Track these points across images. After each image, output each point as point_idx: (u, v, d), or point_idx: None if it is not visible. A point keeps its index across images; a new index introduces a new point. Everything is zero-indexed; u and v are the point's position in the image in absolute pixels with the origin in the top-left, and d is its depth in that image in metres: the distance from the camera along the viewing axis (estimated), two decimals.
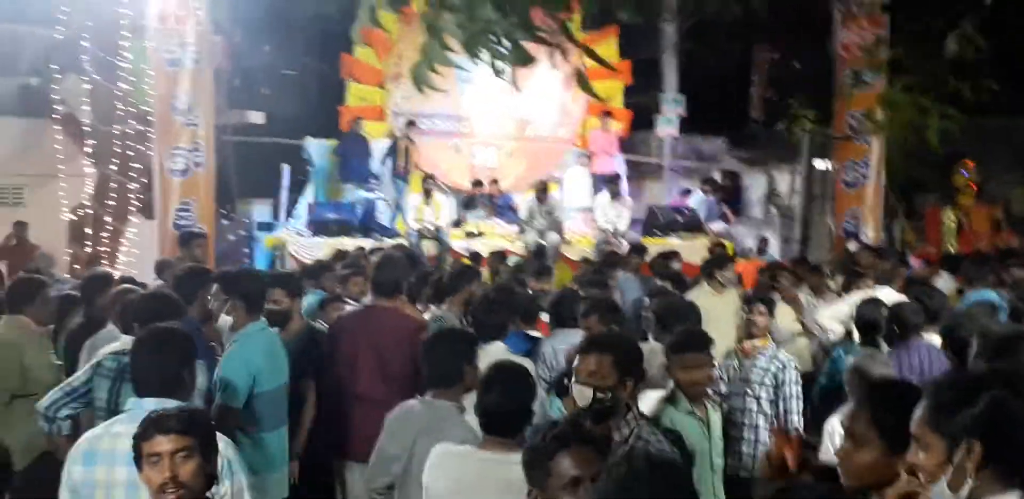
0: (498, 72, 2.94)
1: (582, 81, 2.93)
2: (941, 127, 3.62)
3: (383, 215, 14.94)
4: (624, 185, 16.40)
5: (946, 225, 17.23)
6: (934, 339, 5.97)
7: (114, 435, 3.64)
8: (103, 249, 12.81)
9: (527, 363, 4.89)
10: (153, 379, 3.74)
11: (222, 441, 3.64)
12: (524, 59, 2.82)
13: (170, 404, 3.59)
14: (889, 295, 8.04)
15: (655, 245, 13.89)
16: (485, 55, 2.93)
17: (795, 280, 9.32)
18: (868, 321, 6.62)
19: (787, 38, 16.34)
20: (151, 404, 3.62)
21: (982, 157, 17.89)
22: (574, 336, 5.66)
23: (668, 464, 2.68)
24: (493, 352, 5.50)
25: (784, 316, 8.86)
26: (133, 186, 13.06)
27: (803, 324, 8.83)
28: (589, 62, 15.39)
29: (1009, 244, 16.47)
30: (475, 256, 12.94)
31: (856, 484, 2.76)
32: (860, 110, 14.40)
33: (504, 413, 3.74)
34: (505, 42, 2.78)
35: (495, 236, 14.87)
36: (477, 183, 15.82)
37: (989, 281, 8.72)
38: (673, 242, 14.66)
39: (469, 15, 2.62)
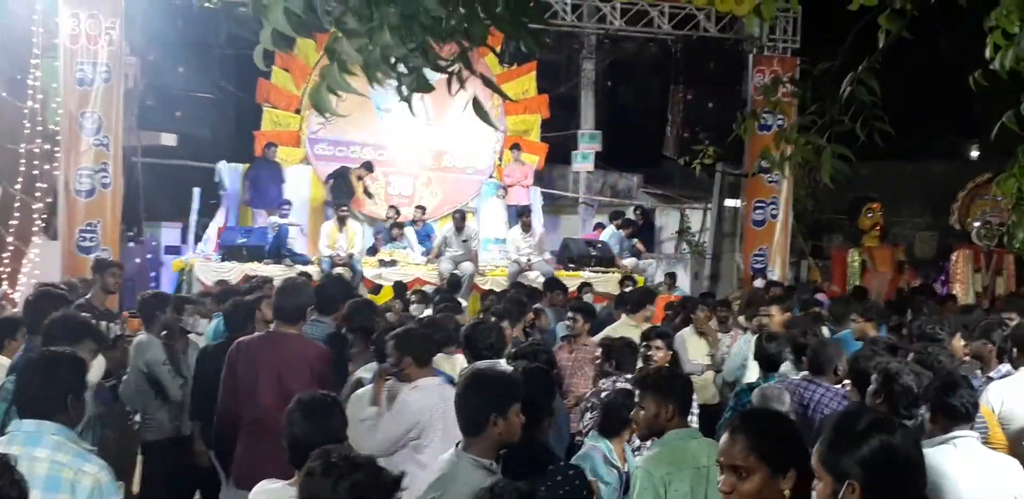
0: (404, 98, 2.92)
1: (478, 109, 2.94)
2: (834, 167, 3.74)
3: (295, 241, 14.79)
4: (538, 218, 16.50)
5: (851, 265, 17.66)
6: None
7: None
8: (3, 269, 12.41)
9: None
10: (34, 402, 3.66)
11: (96, 465, 3.60)
12: (423, 87, 2.82)
13: (47, 427, 3.53)
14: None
15: (568, 278, 13.99)
16: (390, 81, 2.92)
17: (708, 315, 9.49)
18: (768, 356, 6.74)
19: (703, 79, 16.67)
20: (31, 426, 3.56)
21: (888, 200, 18.42)
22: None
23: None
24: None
25: (696, 349, 9.02)
26: (37, 206, 12.71)
27: (712, 357, 9.00)
28: (512, 95, 15.39)
29: (911, 285, 16.96)
30: (399, 285, 12.91)
31: None
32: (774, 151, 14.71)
33: (315, 447, 3.56)
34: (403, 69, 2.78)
35: (409, 265, 14.82)
36: (393, 209, 15.84)
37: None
38: (586, 275, 14.77)
39: (368, 40, 2.61)
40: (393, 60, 2.69)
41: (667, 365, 6.70)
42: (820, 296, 12.75)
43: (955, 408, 4.32)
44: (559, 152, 18.62)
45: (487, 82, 3.01)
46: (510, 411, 3.87)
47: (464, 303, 11.17)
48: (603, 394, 5.75)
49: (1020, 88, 3.46)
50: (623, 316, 9.02)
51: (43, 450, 3.55)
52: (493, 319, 8.26)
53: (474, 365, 5.77)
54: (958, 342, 6.91)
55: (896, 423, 2.66)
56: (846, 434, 2.59)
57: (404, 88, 2.81)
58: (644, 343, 6.84)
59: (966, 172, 18.51)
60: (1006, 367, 6.55)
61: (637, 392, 4.53)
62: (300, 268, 13.41)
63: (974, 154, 24.58)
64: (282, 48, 2.81)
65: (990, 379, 6.49)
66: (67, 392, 3.70)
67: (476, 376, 4.07)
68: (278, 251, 14.08)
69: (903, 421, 4.59)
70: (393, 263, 14.63)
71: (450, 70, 2.89)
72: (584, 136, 18.80)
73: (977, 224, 17.30)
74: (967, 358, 6.85)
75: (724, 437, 2.84)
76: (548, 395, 4.60)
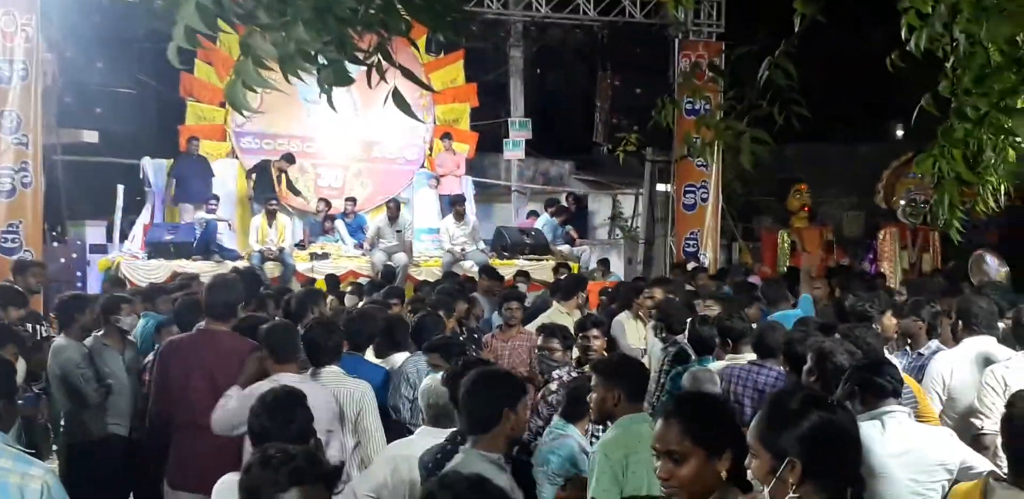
0: (324, 91, 2.87)
1: (398, 101, 2.89)
2: (752, 151, 3.78)
3: (224, 237, 14.57)
4: (471, 206, 16.46)
5: (781, 246, 17.88)
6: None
7: None
8: None
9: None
10: None
11: (40, 468, 3.55)
12: (341, 80, 2.77)
13: None
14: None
15: (503, 266, 13.98)
16: (308, 74, 2.86)
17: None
18: (701, 339, 6.81)
19: (631, 64, 16.75)
20: None
21: (816, 181, 18.69)
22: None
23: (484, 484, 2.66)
24: (328, 375, 5.44)
25: (634, 334, 9.08)
26: None
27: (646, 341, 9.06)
28: (439, 84, 15.33)
29: (839, 263, 17.24)
30: (331, 278, 12.79)
31: (689, 497, 2.80)
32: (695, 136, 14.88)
33: (275, 440, 3.59)
34: (323, 61, 2.72)
35: (341, 257, 14.69)
36: (323, 202, 15.69)
37: (789, 302, 9.12)
38: (520, 263, 14.78)
39: (283, 34, 2.55)
40: (311, 53, 2.63)
41: (604, 352, 6.75)
42: (753, 278, 12.90)
43: (882, 386, 4.40)
44: (490, 140, 18.59)
45: (407, 73, 2.96)
46: (519, 405, 3.94)
47: None
48: (558, 384, 5.80)
49: (936, 69, 3.51)
50: (555, 303, 9.05)
51: None
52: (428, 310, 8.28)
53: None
54: (889, 320, 7.05)
55: (833, 401, 2.70)
56: (784, 412, 2.63)
57: (323, 82, 2.75)
58: (581, 333, 6.88)
59: (891, 152, 18.84)
60: (935, 343, 6.71)
61: (592, 377, 4.58)
62: (230, 264, 13.23)
63: (899, 135, 25.07)
64: (195, 45, 2.75)
65: (920, 355, 6.64)
66: None
67: (484, 373, 4.07)
68: (207, 247, 13.86)
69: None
70: (325, 256, 14.50)
71: (369, 62, 2.84)
72: (514, 124, 18.78)
73: (903, 203, 17.61)
74: (896, 335, 7.00)
75: (659, 423, 2.85)
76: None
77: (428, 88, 3.83)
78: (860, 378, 4.45)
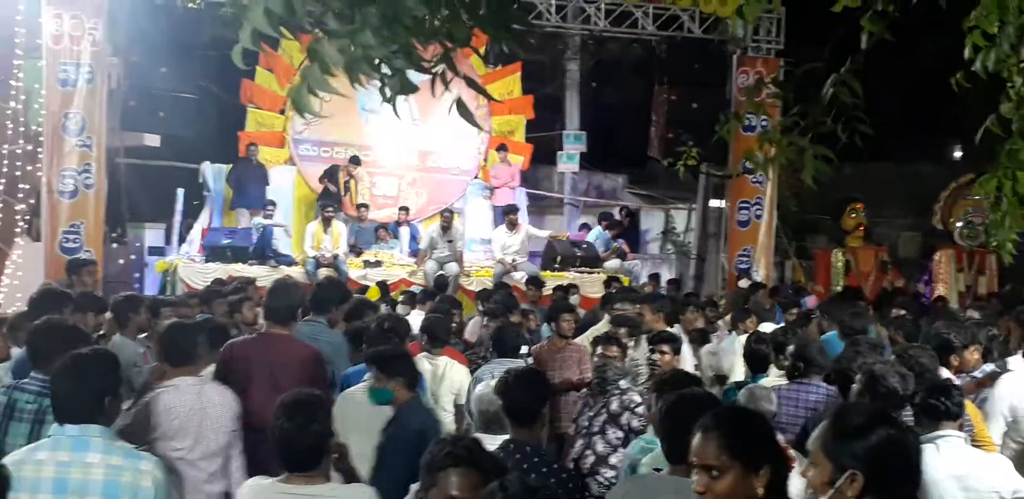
0: (387, 99, 2.91)
1: (462, 110, 2.93)
2: (816, 168, 3.77)
3: (280, 242, 14.75)
4: (524, 217, 16.49)
5: (835, 266, 17.70)
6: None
7: (37, 462, 3.53)
8: None
9: None
10: (73, 406, 3.62)
11: (149, 461, 3.64)
12: (407, 88, 2.81)
13: (91, 430, 3.54)
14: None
15: (553, 279, 13.99)
16: (374, 82, 2.92)
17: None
18: (757, 356, 6.78)
19: (688, 79, 16.66)
20: (74, 430, 3.56)
21: (872, 201, 18.49)
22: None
23: (544, 492, 2.67)
24: None
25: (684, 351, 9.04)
26: (20, 207, 12.63)
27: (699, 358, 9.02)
28: (497, 95, 15.43)
29: (895, 284, 17.02)
30: (382, 285, 12.90)
31: None
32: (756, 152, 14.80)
33: (299, 446, 3.74)
34: (387, 70, 2.77)
35: (394, 266, 14.79)
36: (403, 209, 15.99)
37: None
38: (571, 276, 14.77)
39: (350, 41, 2.60)
40: (376, 61, 2.68)
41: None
42: (809, 300, 12.75)
43: (940, 410, 4.36)
44: (544, 153, 18.62)
45: (471, 83, 3.00)
46: (547, 405, 4.42)
47: None
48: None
49: (1001, 89, 3.48)
50: (607, 316, 9.04)
51: (94, 455, 3.53)
52: (487, 319, 8.38)
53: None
54: (972, 354, 6.87)
55: (900, 420, 2.69)
56: (852, 424, 2.63)
57: (388, 90, 2.80)
58: (651, 347, 6.97)
59: (948, 173, 18.60)
60: (990, 366, 6.60)
61: (652, 395, 4.69)
62: (285, 269, 13.37)
63: (957, 155, 24.71)
64: (260, 47, 2.80)
65: (973, 378, 6.53)
66: (104, 393, 3.69)
67: (527, 373, 4.57)
68: (263, 252, 14.03)
69: None
70: (378, 264, 14.60)
71: (434, 71, 2.89)
72: (569, 137, 18.80)
73: (960, 224, 17.38)
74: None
75: (697, 436, 2.84)
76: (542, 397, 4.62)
77: (491, 97, 3.86)
78: (921, 399, 4.43)
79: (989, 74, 3.38)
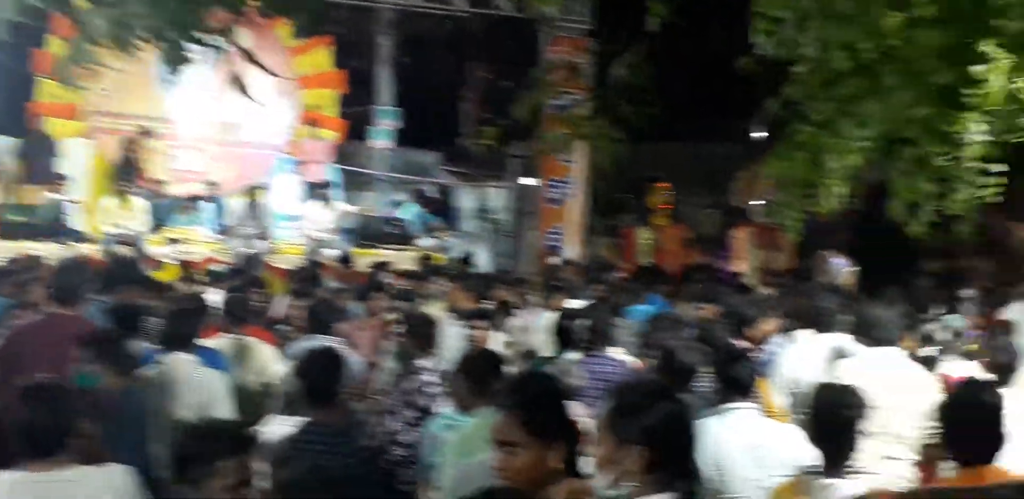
0: (171, 70, 2.76)
1: (237, 84, 2.81)
2: (607, 148, 3.82)
3: (73, 218, 14.00)
4: (336, 193, 16.21)
5: (641, 244, 18.20)
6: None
7: None
8: None
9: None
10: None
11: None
12: (177, 59, 2.66)
13: None
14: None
15: (365, 256, 13.82)
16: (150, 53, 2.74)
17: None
18: (566, 332, 6.85)
19: (501, 58, 16.72)
20: None
21: (675, 180, 19.07)
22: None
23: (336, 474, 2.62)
24: (179, 364, 5.27)
25: None
26: None
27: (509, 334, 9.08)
28: (304, 69, 15.06)
29: (698, 261, 17.62)
30: (184, 263, 12.40)
31: (524, 487, 2.81)
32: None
33: (37, 430, 3.60)
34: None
35: (197, 242, 14.26)
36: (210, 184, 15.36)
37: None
38: (383, 253, 14.63)
39: (120, 12, 2.43)
40: (149, 33, 2.51)
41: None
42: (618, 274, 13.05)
43: (733, 382, 4.51)
44: (357, 129, 18.34)
45: (247, 55, 2.87)
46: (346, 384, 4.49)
47: None
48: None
49: (785, 74, 3.59)
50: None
51: None
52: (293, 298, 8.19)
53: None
54: (766, 325, 7.15)
55: (676, 393, 2.76)
56: (633, 400, 2.69)
57: (164, 61, 2.64)
58: (465, 324, 7.01)
59: (745, 152, 19.33)
60: (779, 339, 6.91)
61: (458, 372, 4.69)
62: (79, 246, 12.71)
63: (754, 135, 25.70)
64: (30, 18, 2.59)
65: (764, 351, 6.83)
66: None
67: (324, 353, 4.46)
68: (55, 229, 13.29)
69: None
70: (181, 241, 14.04)
71: (211, 43, 2.74)
72: (382, 112, 18.59)
73: (759, 202, 18.11)
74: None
75: (497, 414, 2.87)
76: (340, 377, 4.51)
77: (268, 70, 3.71)
78: (718, 370, 4.56)
79: (774, 57, 3.48)
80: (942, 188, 4.22)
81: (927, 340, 6.65)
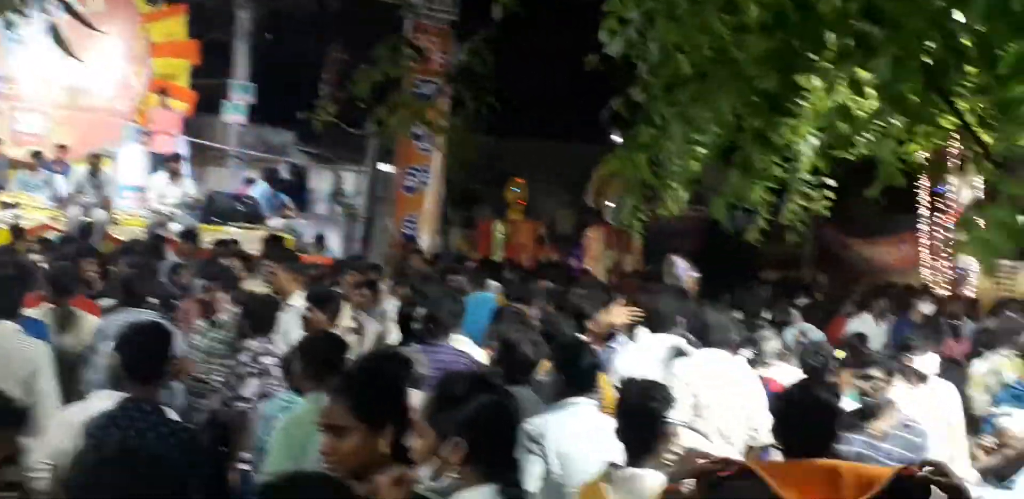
0: (8, 25, 2.59)
1: (57, 37, 2.67)
2: (458, 140, 3.83)
3: None
4: (185, 167, 15.71)
5: (495, 237, 18.26)
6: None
7: None
8: None
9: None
10: None
11: None
12: (5, 4, 2.51)
13: None
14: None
15: (211, 232, 13.43)
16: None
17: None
18: (406, 321, 6.79)
19: (362, 40, 16.43)
20: None
21: (534, 177, 19.23)
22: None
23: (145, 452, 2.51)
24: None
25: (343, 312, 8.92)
26: None
27: (357, 321, 8.94)
28: (157, 37, 14.50)
29: (550, 258, 17.80)
30: (16, 229, 11.76)
31: (347, 472, 2.77)
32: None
33: None
34: None
35: (33, 208, 13.58)
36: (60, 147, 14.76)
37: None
38: (231, 231, 14.24)
39: None
40: None
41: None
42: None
43: (574, 375, 4.54)
44: (210, 102, 17.83)
45: (70, 11, 2.73)
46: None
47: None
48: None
49: (632, 74, 3.62)
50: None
51: None
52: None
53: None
54: (605, 316, 7.33)
55: (500, 385, 2.77)
56: (454, 392, 2.70)
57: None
58: (307, 307, 6.82)
59: (603, 153, 19.56)
60: (624, 338, 7.05)
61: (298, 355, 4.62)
62: None
63: (616, 137, 26.11)
64: None
65: (610, 348, 6.94)
66: None
67: (147, 327, 4.32)
68: None
69: (516, 387, 4.81)
70: (16, 205, 13.35)
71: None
72: (237, 87, 18.13)
73: (609, 203, 18.38)
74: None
75: (327, 398, 2.82)
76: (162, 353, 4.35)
77: (90, 26, 3.54)
78: (558, 365, 4.58)
79: (624, 58, 3.50)
80: (775, 198, 4.39)
81: (751, 343, 6.86)
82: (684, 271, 13.67)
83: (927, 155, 5.43)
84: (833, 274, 19.33)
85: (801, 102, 2.81)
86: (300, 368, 4.62)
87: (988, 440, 4.52)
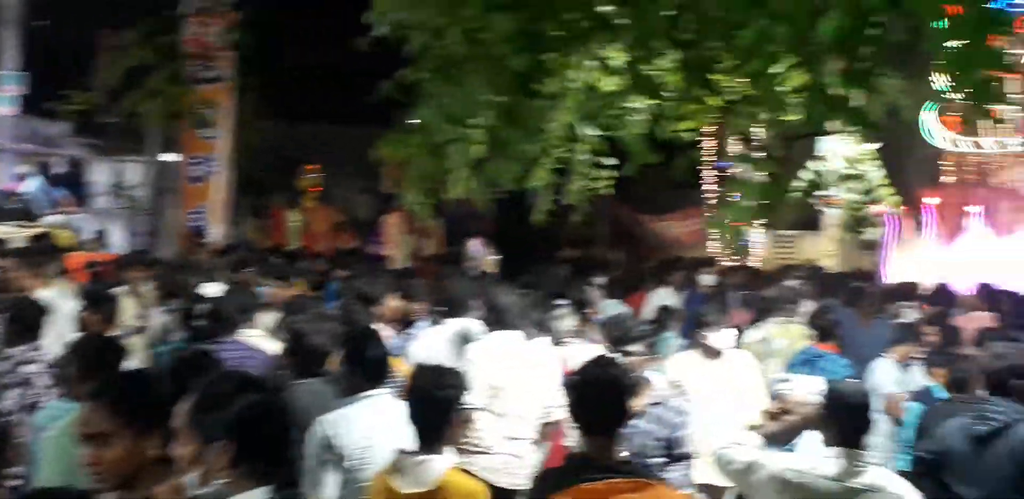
0: None
1: None
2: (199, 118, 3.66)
3: None
4: None
5: (291, 225, 17.96)
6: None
7: None
8: None
9: None
10: None
11: None
12: None
13: None
14: (216, 290, 8.04)
15: None
16: None
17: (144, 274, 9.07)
18: (189, 318, 6.54)
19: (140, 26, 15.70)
20: None
21: (332, 163, 18.93)
22: None
23: None
24: None
25: (127, 311, 8.52)
26: None
27: (142, 319, 8.58)
28: None
29: (348, 245, 17.61)
30: None
31: (116, 482, 2.62)
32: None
33: None
34: None
35: None
36: None
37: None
38: (3, 229, 13.36)
39: None
40: None
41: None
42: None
43: (364, 366, 4.45)
44: None
45: None
46: None
47: None
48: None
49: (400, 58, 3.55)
50: None
51: None
52: None
53: None
54: (394, 301, 7.29)
55: (268, 383, 2.68)
56: (217, 395, 2.59)
57: None
58: (84, 305, 6.52)
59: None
60: (424, 323, 7.07)
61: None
62: None
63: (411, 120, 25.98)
64: None
65: (409, 335, 6.92)
66: None
67: None
68: None
69: (311, 379, 4.70)
70: None
71: None
72: (6, 77, 17.01)
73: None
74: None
75: (85, 406, 2.65)
76: None
77: None
78: (348, 354, 4.48)
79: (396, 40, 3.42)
80: (560, 179, 4.41)
81: (542, 325, 6.97)
82: (479, 254, 13.79)
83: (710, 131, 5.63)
84: (629, 251, 19.99)
85: (567, 83, 2.82)
86: (73, 373, 4.35)
87: (772, 406, 4.69)
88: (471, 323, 6.44)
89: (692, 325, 6.83)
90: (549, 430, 5.84)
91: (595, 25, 2.06)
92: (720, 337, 6.54)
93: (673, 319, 8.19)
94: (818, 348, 7.23)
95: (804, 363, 6.98)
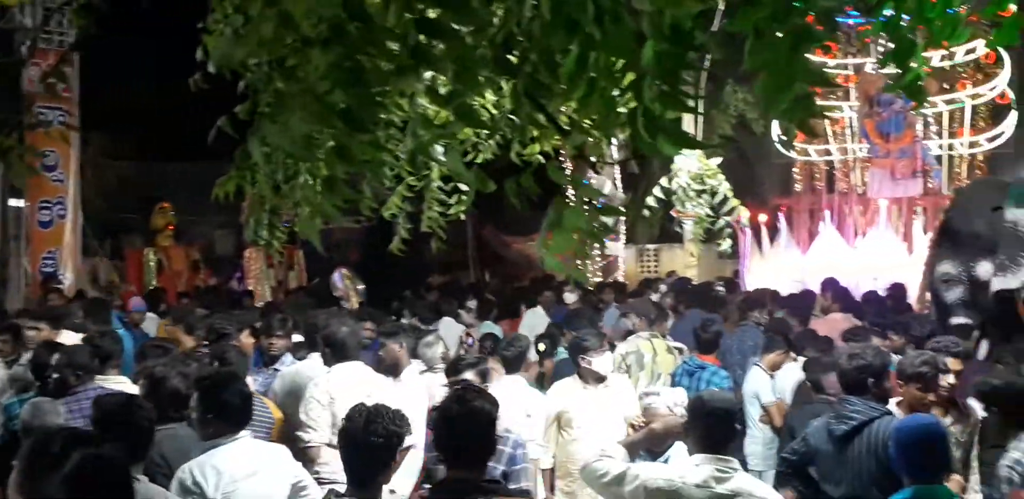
0: None
1: None
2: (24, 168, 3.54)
3: None
4: None
5: (147, 265, 17.49)
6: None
7: None
8: None
9: None
10: None
11: None
12: None
13: None
14: (71, 338, 7.70)
15: None
16: None
17: None
18: (39, 369, 6.24)
19: None
20: None
21: (188, 200, 18.50)
22: None
23: None
24: None
25: None
26: None
27: None
28: None
29: (206, 283, 17.20)
30: None
31: None
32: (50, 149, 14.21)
33: None
34: None
35: None
36: None
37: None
38: None
39: None
40: None
41: None
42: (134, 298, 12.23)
43: (221, 409, 4.30)
44: None
45: None
46: None
47: None
48: None
49: (235, 91, 3.48)
50: None
51: None
52: None
53: None
54: (247, 338, 7.28)
55: (97, 437, 2.54)
56: (45, 456, 2.43)
57: None
58: None
59: None
60: (289, 358, 6.95)
61: None
62: None
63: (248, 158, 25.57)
64: None
65: (276, 371, 6.75)
66: None
67: None
68: None
69: (172, 424, 4.51)
70: None
71: None
72: None
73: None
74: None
75: None
76: None
77: None
78: (206, 398, 4.32)
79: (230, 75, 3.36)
80: (413, 207, 4.41)
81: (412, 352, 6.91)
82: (341, 285, 13.68)
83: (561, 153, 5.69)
84: (498, 272, 20.08)
85: (406, 113, 2.81)
86: None
87: (637, 420, 4.75)
88: (316, 358, 6.32)
89: (575, 354, 6.44)
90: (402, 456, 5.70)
91: (416, 58, 2.05)
92: (602, 361, 6.23)
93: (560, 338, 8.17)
94: (700, 359, 7.34)
95: (686, 374, 7.09)
